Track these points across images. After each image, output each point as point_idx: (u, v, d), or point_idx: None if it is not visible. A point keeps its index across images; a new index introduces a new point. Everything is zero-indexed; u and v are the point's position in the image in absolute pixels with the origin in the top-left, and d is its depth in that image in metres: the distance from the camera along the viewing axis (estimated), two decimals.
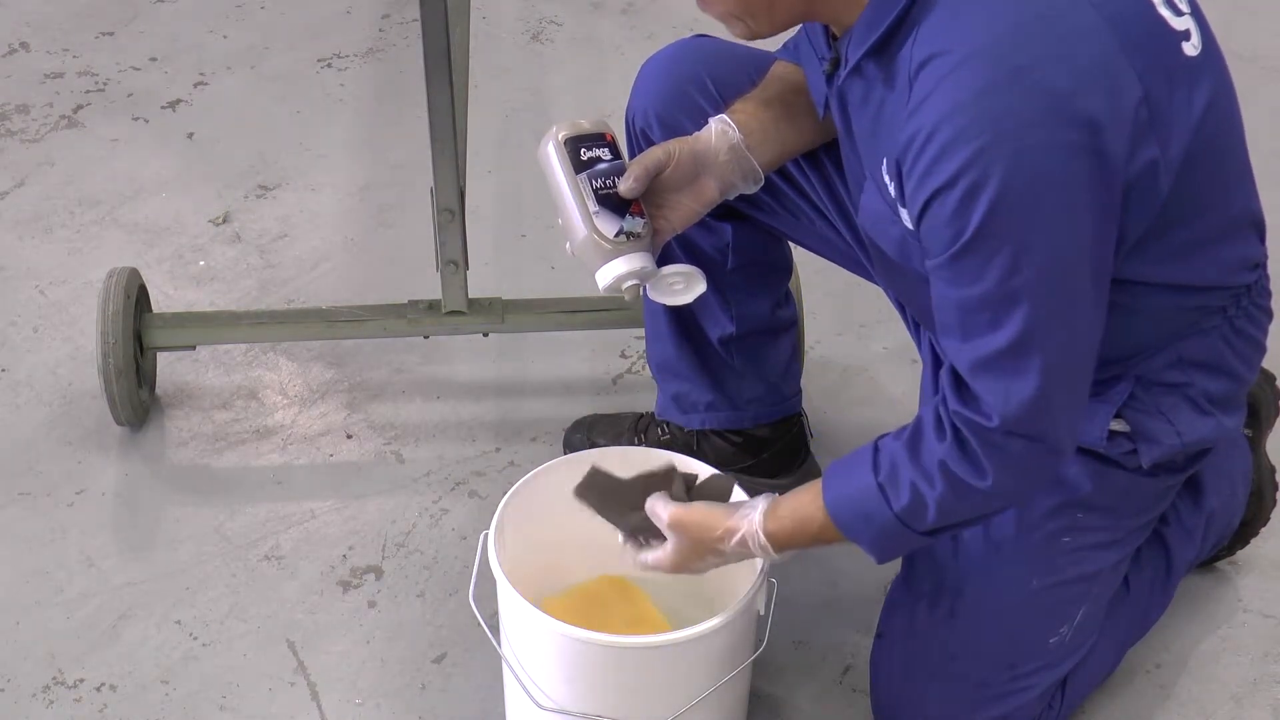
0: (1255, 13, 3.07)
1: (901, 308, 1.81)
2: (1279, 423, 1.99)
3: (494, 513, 1.68)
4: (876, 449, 1.52)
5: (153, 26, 3.21)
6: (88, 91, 3.00)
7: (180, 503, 2.11)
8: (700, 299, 1.90)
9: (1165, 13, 1.41)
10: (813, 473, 2.10)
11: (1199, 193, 1.45)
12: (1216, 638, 1.94)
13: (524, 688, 1.62)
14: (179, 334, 2.19)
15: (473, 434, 2.22)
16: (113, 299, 2.09)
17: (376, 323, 2.18)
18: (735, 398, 2.02)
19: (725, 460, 2.01)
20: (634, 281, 1.63)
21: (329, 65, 3.11)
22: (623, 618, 1.76)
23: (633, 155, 1.86)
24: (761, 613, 1.65)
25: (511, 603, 1.59)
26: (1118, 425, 1.59)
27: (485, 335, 2.22)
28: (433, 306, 2.16)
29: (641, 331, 2.13)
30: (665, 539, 1.60)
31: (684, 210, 1.69)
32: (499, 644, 1.67)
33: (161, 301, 2.39)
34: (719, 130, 1.69)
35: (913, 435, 1.49)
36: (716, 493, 1.64)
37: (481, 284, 2.23)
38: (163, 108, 2.96)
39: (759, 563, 1.63)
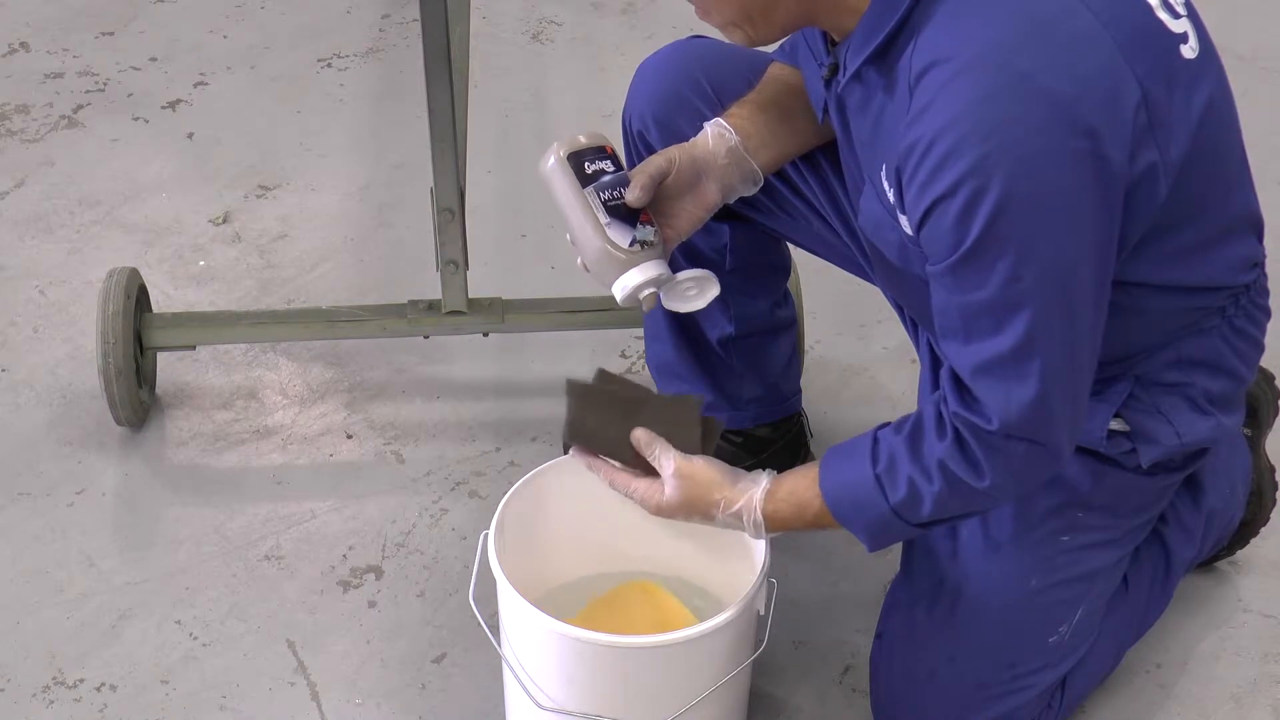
0: (1255, 13, 3.08)
1: (900, 308, 1.81)
2: (1278, 422, 2.00)
3: (494, 513, 1.68)
4: (875, 440, 1.52)
5: (153, 26, 3.21)
6: (88, 91, 3.00)
7: (180, 503, 2.11)
8: None
9: (1163, 15, 1.41)
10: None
11: (1198, 194, 1.45)
12: (1216, 638, 1.94)
13: (524, 688, 1.62)
14: (179, 334, 2.19)
15: (473, 434, 2.22)
16: (113, 299, 2.09)
17: (376, 323, 2.18)
18: (735, 398, 2.02)
19: (725, 460, 2.00)
20: (651, 290, 1.63)
21: (329, 65, 3.11)
22: (650, 621, 1.76)
23: (630, 157, 1.86)
24: (761, 613, 1.65)
25: (511, 603, 1.59)
26: (1117, 425, 1.59)
27: (485, 335, 2.22)
28: (433, 306, 2.16)
29: (641, 331, 2.13)
30: (650, 475, 1.62)
31: (688, 216, 1.69)
32: (499, 644, 1.67)
33: (161, 301, 2.39)
34: (715, 134, 1.69)
35: (913, 431, 1.49)
36: (684, 414, 1.66)
37: (481, 284, 2.23)
38: (163, 108, 2.96)
39: (759, 563, 1.63)
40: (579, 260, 1.65)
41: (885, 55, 1.42)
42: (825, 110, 1.59)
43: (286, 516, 2.09)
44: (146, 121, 2.92)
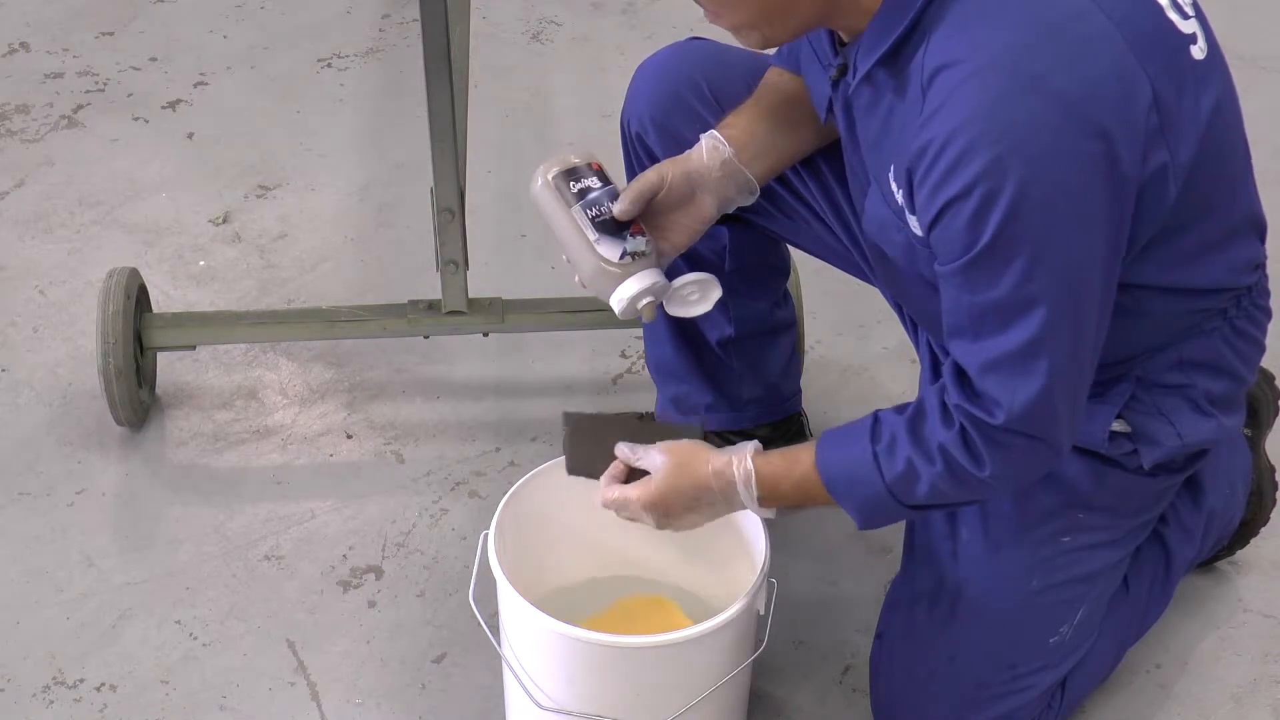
0: (1255, 13, 3.08)
1: (900, 309, 1.81)
2: (1278, 422, 2.00)
3: (494, 513, 1.68)
4: (876, 419, 1.53)
5: (153, 26, 3.21)
6: (88, 91, 3.00)
7: (180, 503, 2.11)
8: None
9: (1173, 16, 1.41)
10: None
11: (1205, 196, 1.45)
12: (1216, 638, 1.94)
13: (524, 688, 1.62)
14: (179, 334, 2.19)
15: (473, 434, 2.22)
16: (113, 299, 2.09)
17: (376, 323, 2.18)
18: (735, 399, 2.02)
19: None
20: (649, 299, 1.64)
21: (329, 65, 3.11)
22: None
23: (628, 159, 1.87)
24: (761, 613, 1.65)
25: (511, 603, 1.59)
26: (1119, 426, 1.59)
27: (485, 335, 2.22)
28: (433, 306, 2.16)
29: (641, 331, 2.13)
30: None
31: (683, 229, 1.69)
32: (499, 644, 1.67)
33: (161, 301, 2.39)
34: (710, 147, 1.68)
35: (915, 415, 1.50)
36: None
37: (481, 284, 2.23)
38: (163, 108, 2.96)
39: (759, 563, 1.63)
40: (577, 279, 1.66)
41: (896, 56, 1.41)
42: (829, 111, 1.59)
43: (286, 516, 2.09)
44: (146, 121, 2.92)
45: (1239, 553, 2.00)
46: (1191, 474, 1.73)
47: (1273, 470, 1.98)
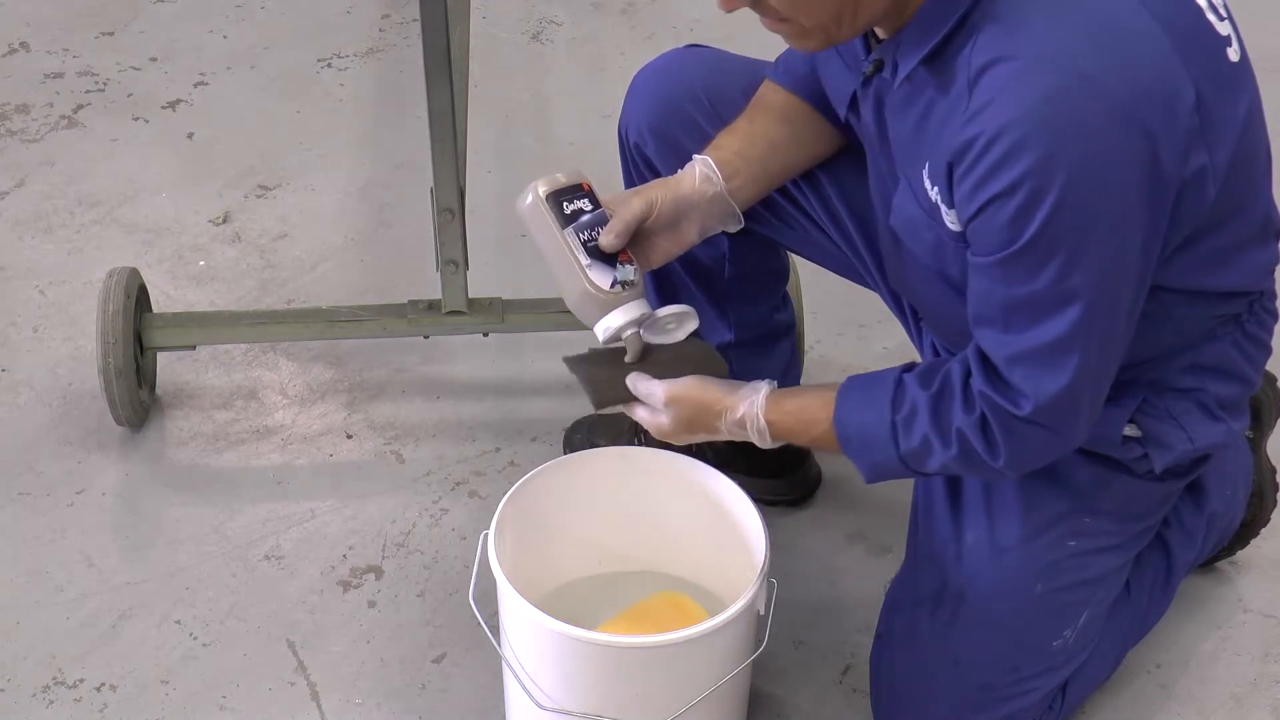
0: (1255, 13, 3.07)
1: (900, 311, 1.81)
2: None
3: (494, 513, 1.68)
4: (900, 385, 1.53)
5: (153, 26, 3.21)
6: (88, 91, 3.00)
7: (180, 503, 2.11)
8: (698, 307, 1.90)
9: (1211, 18, 1.42)
10: (814, 474, 2.10)
11: (1235, 198, 1.46)
12: (1216, 638, 1.94)
13: (524, 688, 1.62)
14: (179, 334, 2.19)
15: (473, 434, 2.22)
16: (113, 299, 2.09)
17: (376, 323, 2.18)
18: None
19: (725, 461, 2.00)
20: (633, 330, 1.64)
21: (329, 65, 3.11)
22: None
23: (626, 167, 1.86)
24: (761, 613, 1.65)
25: (511, 603, 1.59)
26: (1129, 430, 1.59)
27: (485, 335, 2.22)
28: (433, 306, 2.16)
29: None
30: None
31: (661, 251, 1.70)
32: (499, 644, 1.67)
33: (161, 301, 2.39)
34: (702, 176, 1.68)
35: (939, 392, 1.50)
36: (695, 355, 1.67)
37: (481, 284, 2.23)
38: (163, 108, 2.96)
39: (759, 563, 1.63)
40: (564, 298, 1.66)
41: (941, 53, 1.41)
42: (850, 108, 1.59)
43: (286, 516, 2.09)
44: (146, 121, 2.92)
45: (1239, 553, 2.00)
46: (1194, 477, 1.73)
47: (1274, 471, 1.97)
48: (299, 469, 2.17)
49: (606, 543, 1.86)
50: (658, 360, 1.66)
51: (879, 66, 1.49)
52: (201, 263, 2.55)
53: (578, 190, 1.66)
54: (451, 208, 2.03)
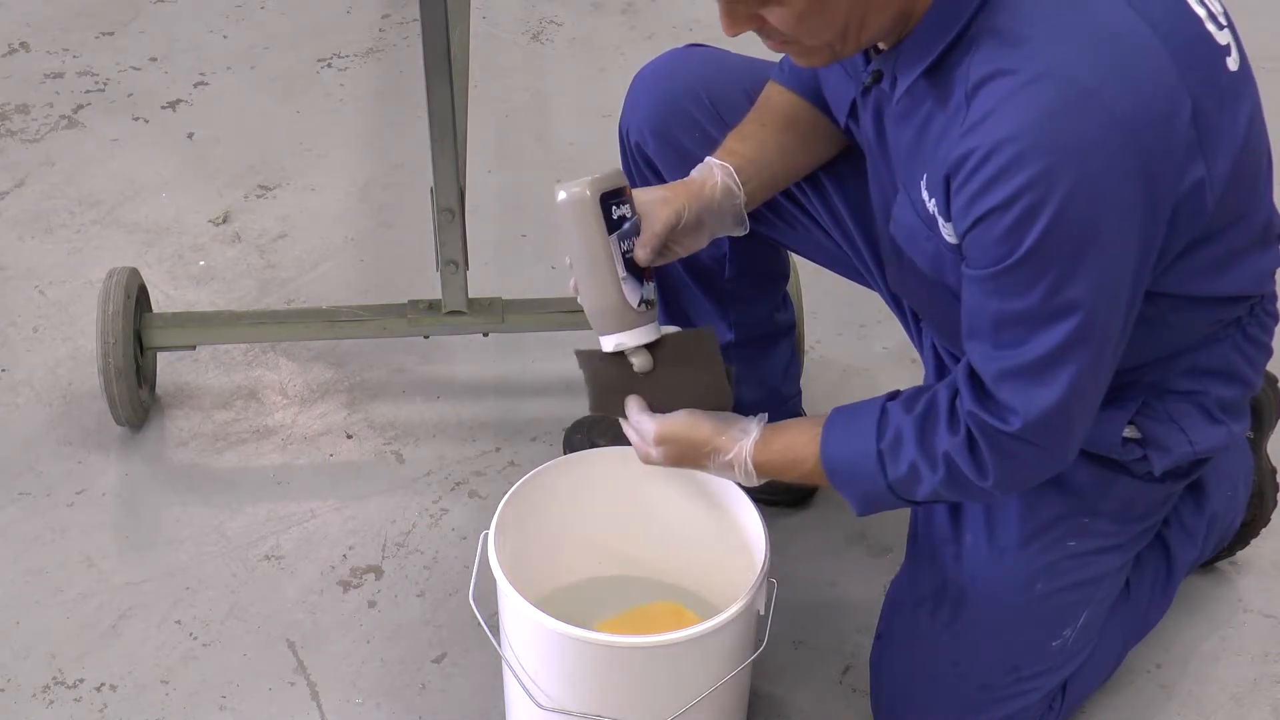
0: (1255, 13, 3.07)
1: (900, 311, 1.81)
2: None
3: (494, 513, 1.68)
4: (884, 412, 1.53)
5: (153, 26, 3.21)
6: (88, 91, 3.00)
7: (180, 503, 2.11)
8: (699, 309, 1.90)
9: (1210, 28, 1.41)
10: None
11: (1236, 206, 1.45)
12: (1216, 638, 1.94)
13: (524, 688, 1.62)
14: (179, 334, 2.19)
15: (473, 434, 2.22)
16: (113, 299, 2.09)
17: (376, 323, 2.18)
18: (735, 402, 2.01)
19: None
20: (643, 351, 1.63)
21: (329, 65, 3.11)
22: None
23: (627, 167, 1.85)
24: (761, 613, 1.65)
25: (511, 603, 1.59)
26: (1129, 432, 1.59)
27: (485, 335, 2.22)
28: (433, 306, 2.16)
29: None
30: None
31: (669, 254, 1.68)
32: (499, 644, 1.67)
33: (161, 301, 2.39)
34: (725, 186, 1.66)
35: (924, 414, 1.49)
36: (694, 347, 1.66)
37: (481, 284, 2.23)
38: (163, 108, 2.96)
39: (759, 563, 1.63)
40: (578, 297, 1.63)
41: (940, 65, 1.40)
42: (849, 116, 1.59)
43: (286, 516, 2.09)
44: (146, 121, 2.92)
45: (1239, 553, 2.00)
46: (1194, 478, 1.73)
47: (1274, 472, 1.97)
48: (299, 469, 2.17)
49: (606, 543, 1.86)
50: (663, 379, 1.64)
51: (878, 77, 1.49)
52: (201, 263, 2.55)
53: (621, 195, 1.60)
54: (451, 208, 2.03)
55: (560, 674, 1.60)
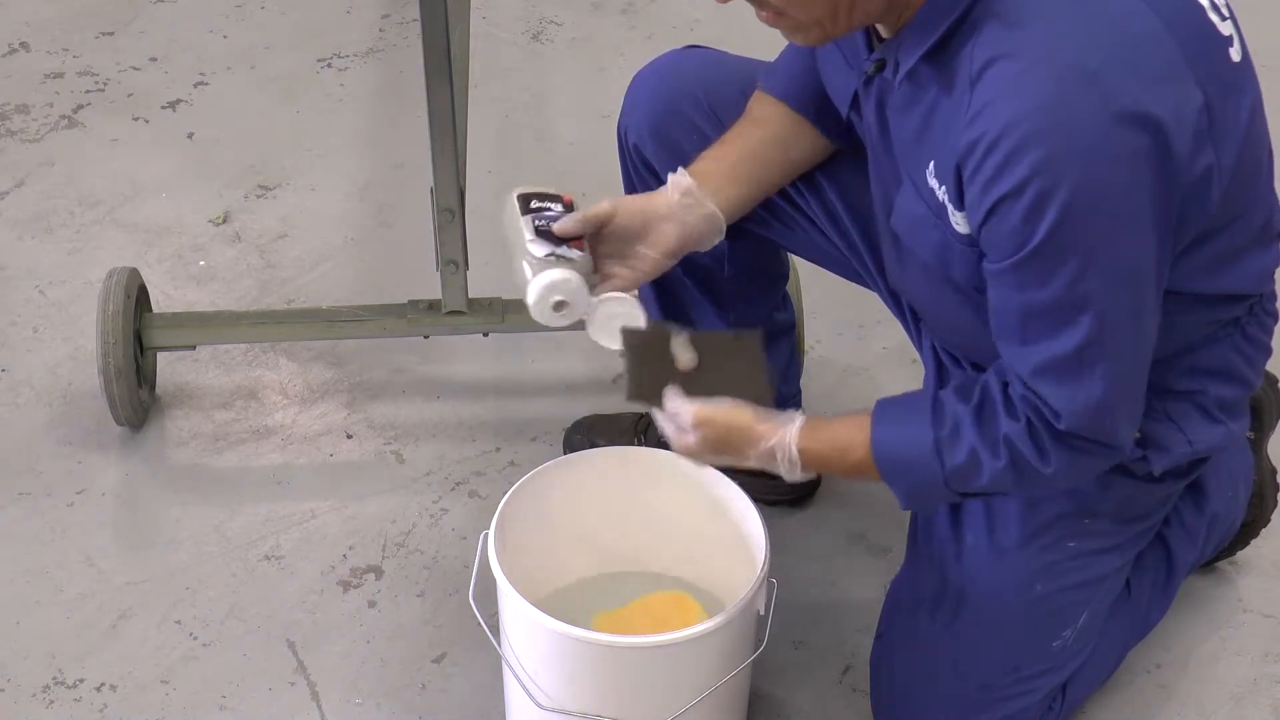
0: (1255, 13, 3.07)
1: (900, 311, 1.81)
2: None
3: (494, 513, 1.68)
4: (938, 402, 1.50)
5: (153, 26, 3.21)
6: (88, 91, 3.00)
7: (180, 503, 2.11)
8: (698, 309, 1.90)
9: (1214, 18, 1.41)
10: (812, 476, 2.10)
11: (1238, 201, 1.45)
12: (1216, 638, 1.94)
13: (524, 688, 1.62)
14: (179, 334, 2.19)
15: (473, 434, 2.22)
16: (113, 299, 2.09)
17: (376, 323, 2.18)
18: None
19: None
20: (559, 297, 1.61)
21: (329, 65, 3.11)
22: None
23: (626, 169, 1.87)
24: (761, 613, 1.65)
25: (511, 603, 1.59)
26: None
27: (485, 335, 2.22)
28: (433, 306, 2.16)
29: None
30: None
31: (649, 261, 1.67)
32: (499, 644, 1.67)
33: (161, 301, 2.39)
34: (680, 189, 1.66)
35: (981, 403, 1.47)
36: (738, 351, 1.65)
37: (481, 284, 2.22)
38: (163, 108, 2.96)
39: (759, 562, 1.63)
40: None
41: (943, 50, 1.40)
42: (851, 108, 1.58)
43: (286, 516, 2.09)
44: (146, 121, 2.92)
45: (1239, 553, 2.00)
46: (1194, 478, 1.73)
47: (1274, 472, 1.97)
48: (299, 469, 2.17)
49: (606, 543, 1.86)
50: (704, 378, 1.63)
51: (880, 66, 1.49)
52: (201, 263, 2.55)
53: (555, 199, 1.66)
54: (451, 208, 2.03)
55: (560, 674, 1.60)
